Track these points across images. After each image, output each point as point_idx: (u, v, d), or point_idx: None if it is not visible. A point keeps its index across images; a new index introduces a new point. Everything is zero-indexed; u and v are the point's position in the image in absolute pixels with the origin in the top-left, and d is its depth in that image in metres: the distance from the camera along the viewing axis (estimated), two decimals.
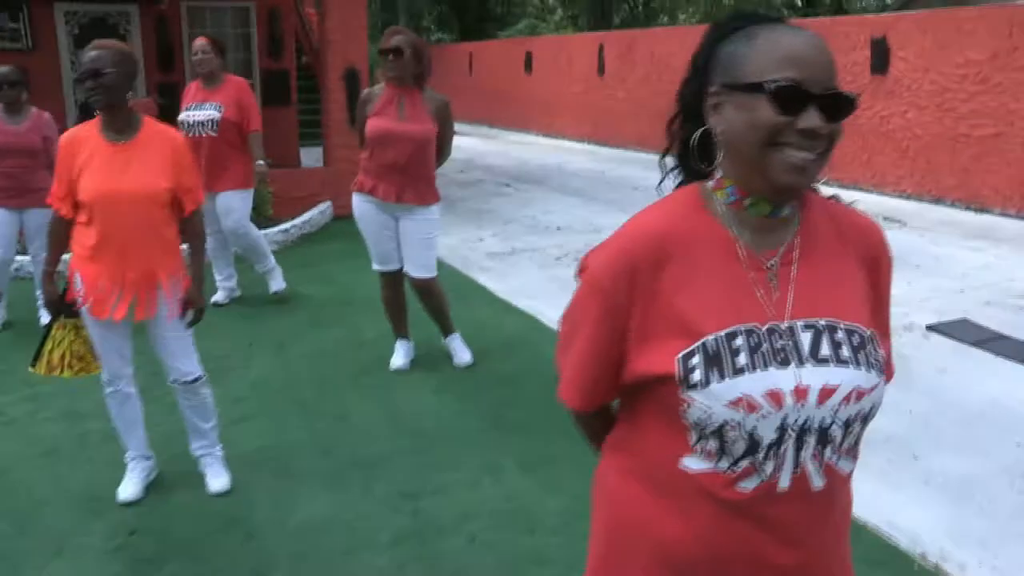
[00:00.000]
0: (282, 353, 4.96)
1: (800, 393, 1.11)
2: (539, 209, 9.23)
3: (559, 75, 16.35)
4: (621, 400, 1.32)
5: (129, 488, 3.28)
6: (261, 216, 6.88)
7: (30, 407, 4.16)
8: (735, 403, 1.10)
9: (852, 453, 1.20)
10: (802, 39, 1.12)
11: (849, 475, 1.21)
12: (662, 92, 13.04)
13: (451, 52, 21.58)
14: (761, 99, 1.10)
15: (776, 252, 1.19)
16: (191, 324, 3.13)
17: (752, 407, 1.10)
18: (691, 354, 1.13)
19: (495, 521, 3.15)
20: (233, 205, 5.61)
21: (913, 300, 5.59)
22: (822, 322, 1.17)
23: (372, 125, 4.23)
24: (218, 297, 5.90)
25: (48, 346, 3.21)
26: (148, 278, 3.02)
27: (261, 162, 5.75)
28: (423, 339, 4.82)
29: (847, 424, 1.14)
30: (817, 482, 1.15)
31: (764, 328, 1.15)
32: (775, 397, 1.11)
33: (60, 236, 3.08)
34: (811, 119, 1.09)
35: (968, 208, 8.65)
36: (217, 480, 3.37)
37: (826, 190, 1.30)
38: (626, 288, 1.18)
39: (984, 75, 8.41)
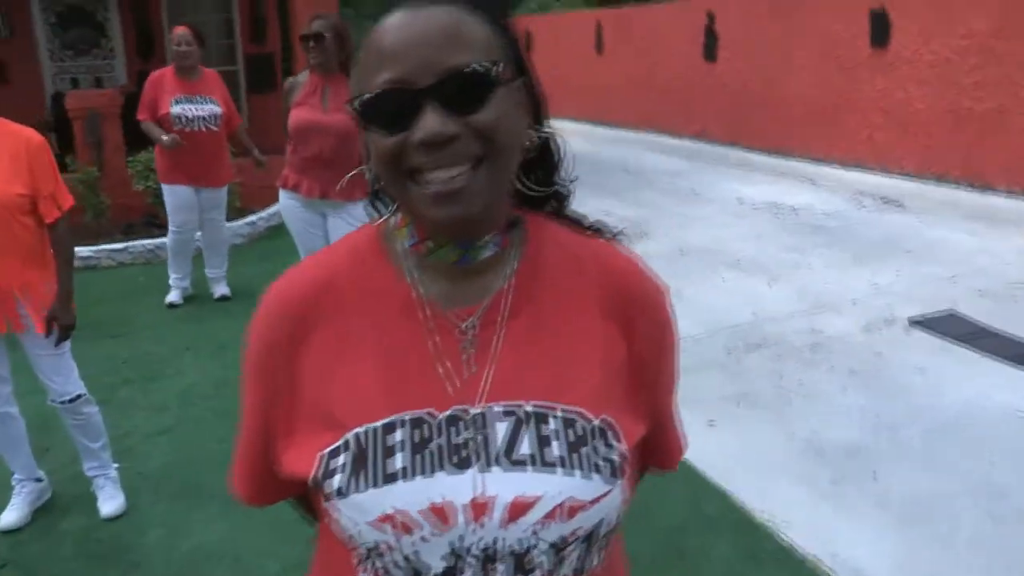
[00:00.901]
0: (220, 357, 4.70)
1: (479, 508, 0.81)
2: None
3: (558, 53, 15.94)
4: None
5: (12, 514, 3.04)
6: (229, 208, 6.66)
7: None
8: (383, 520, 0.80)
9: None
10: (398, 19, 0.82)
11: None
12: (662, 70, 12.68)
13: None
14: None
15: (475, 309, 0.89)
16: (59, 341, 2.85)
17: (407, 527, 0.80)
18: (336, 452, 0.84)
19: None
20: (224, 199, 5.74)
21: (899, 291, 5.23)
22: (528, 407, 0.85)
23: (294, 116, 3.94)
24: (173, 297, 5.68)
25: None
26: (3, 291, 2.76)
27: (259, 154, 5.85)
28: None
29: (558, 548, 0.83)
30: None
31: (442, 417, 0.84)
32: (441, 513, 0.80)
33: None
34: (426, 124, 0.79)
35: (972, 188, 8.20)
36: (109, 503, 3.13)
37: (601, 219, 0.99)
38: (271, 362, 0.90)
39: (988, 46, 7.94)
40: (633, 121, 13.56)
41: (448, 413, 0.84)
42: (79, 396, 3.00)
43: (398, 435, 0.83)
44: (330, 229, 4.09)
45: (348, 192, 4.01)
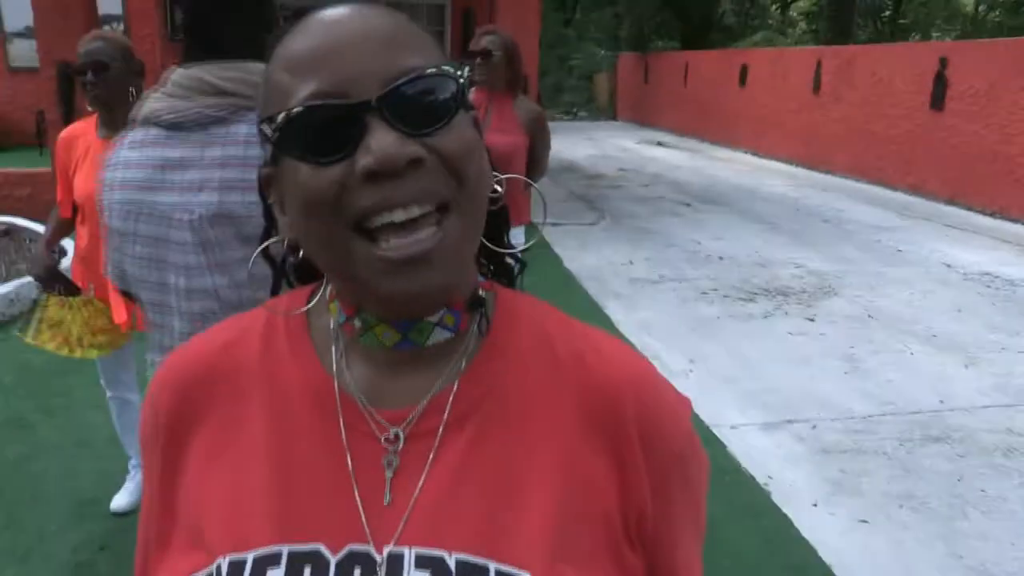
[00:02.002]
0: None
1: None
2: (709, 234, 8.48)
3: (773, 90, 15.23)
4: None
5: (123, 498, 3.12)
6: None
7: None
8: None
9: None
10: (322, 17, 0.62)
11: None
12: (881, 116, 11.76)
13: (667, 60, 20.85)
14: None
15: (409, 413, 0.67)
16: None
17: None
18: None
19: None
20: None
21: None
22: (453, 559, 0.62)
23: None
24: None
25: (40, 316, 3.00)
26: None
27: None
28: None
29: None
30: None
31: (336, 558, 0.63)
32: None
33: (61, 227, 2.93)
34: (377, 144, 0.58)
35: None
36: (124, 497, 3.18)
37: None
38: (149, 454, 0.73)
39: None
40: (843, 167, 12.69)
41: (345, 552, 0.63)
42: None
43: (276, 573, 0.62)
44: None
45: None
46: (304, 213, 0.61)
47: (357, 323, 0.68)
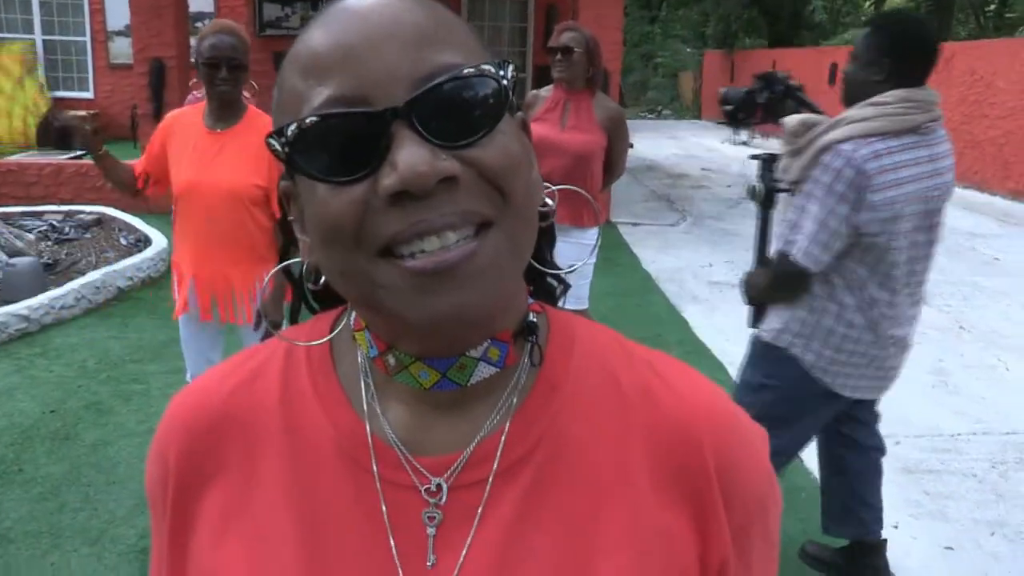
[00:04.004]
0: None
1: None
2: None
3: None
4: None
5: None
6: None
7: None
8: None
9: None
10: (340, 12, 0.54)
11: None
12: (980, 116, 11.22)
13: (754, 59, 20.38)
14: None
15: (454, 460, 0.59)
16: (264, 337, 2.86)
17: None
18: None
19: None
20: None
21: None
22: None
23: (531, 131, 3.79)
24: None
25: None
26: (224, 280, 2.83)
27: None
28: None
29: None
30: None
31: None
32: None
33: (122, 168, 2.97)
34: (404, 159, 0.49)
35: None
36: None
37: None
38: (158, 508, 0.66)
39: None
40: None
41: None
42: None
43: None
44: (556, 254, 3.88)
45: (577, 216, 3.80)
46: (322, 239, 0.53)
47: (391, 360, 0.59)
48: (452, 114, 0.51)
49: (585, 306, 3.98)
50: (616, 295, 5.96)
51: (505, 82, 0.53)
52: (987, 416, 4.13)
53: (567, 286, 0.70)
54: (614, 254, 6.99)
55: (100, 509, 3.08)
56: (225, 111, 2.75)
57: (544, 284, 0.69)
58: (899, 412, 4.12)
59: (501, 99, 0.53)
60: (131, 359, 4.45)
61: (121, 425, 3.76)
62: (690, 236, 8.27)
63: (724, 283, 6.51)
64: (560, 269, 0.69)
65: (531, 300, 0.65)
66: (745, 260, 7.33)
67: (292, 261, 0.66)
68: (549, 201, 0.63)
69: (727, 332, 5.31)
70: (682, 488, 0.59)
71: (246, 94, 2.96)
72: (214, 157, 2.74)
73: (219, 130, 2.76)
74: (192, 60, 2.76)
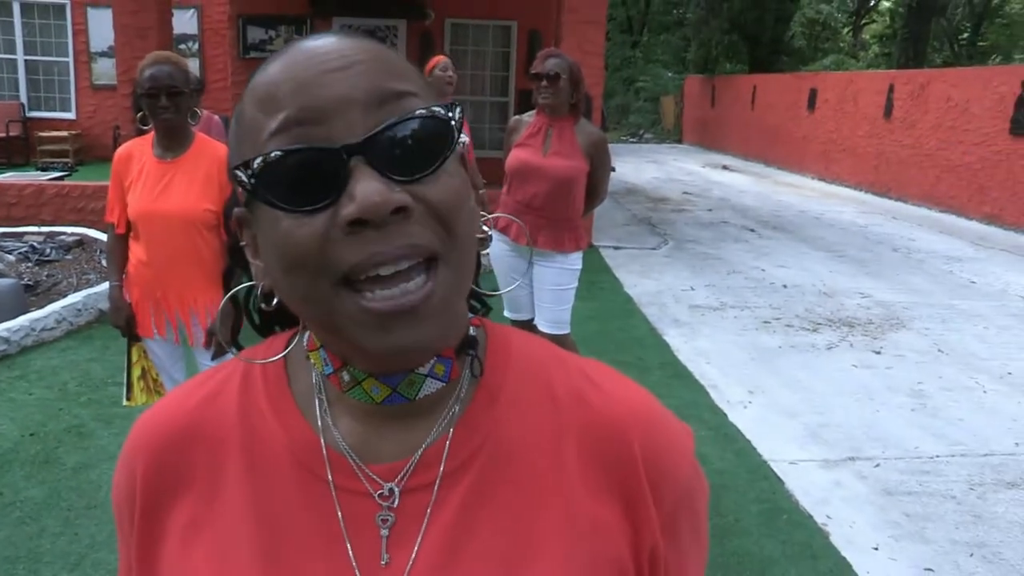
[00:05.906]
0: None
1: None
2: (773, 262, 8.30)
3: (843, 115, 14.93)
4: None
5: None
6: None
7: None
8: None
9: None
10: (299, 52, 0.58)
11: None
12: (956, 142, 11.41)
13: (735, 84, 20.63)
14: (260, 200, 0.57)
15: (403, 466, 0.64)
16: (215, 356, 2.89)
17: None
18: None
19: None
20: None
21: None
22: None
23: (513, 156, 3.83)
24: None
25: (136, 372, 3.13)
26: (182, 302, 2.86)
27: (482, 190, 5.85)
28: None
29: None
30: None
31: None
32: None
33: (117, 253, 2.99)
34: (362, 191, 0.54)
35: None
36: None
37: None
38: (126, 525, 0.69)
39: None
40: (914, 195, 12.35)
41: None
42: None
43: None
44: (535, 279, 3.92)
45: (559, 241, 3.84)
46: (286, 267, 0.57)
47: (345, 376, 0.63)
48: (405, 151, 0.56)
49: (567, 331, 4.00)
50: (598, 319, 6.00)
51: (453, 123, 0.58)
52: (965, 438, 4.18)
53: (489, 308, 0.74)
54: (596, 278, 7.04)
55: (81, 533, 3.05)
56: (172, 140, 2.77)
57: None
58: (878, 434, 4.18)
59: (449, 140, 0.58)
60: (112, 381, 4.42)
61: (102, 448, 3.73)
62: (671, 260, 8.34)
63: (705, 307, 6.56)
64: (484, 292, 0.73)
65: (471, 315, 0.70)
66: (727, 284, 7.44)
67: (241, 287, 0.69)
68: (486, 228, 0.67)
69: (708, 355, 5.36)
70: (612, 481, 0.64)
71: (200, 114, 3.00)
72: (166, 186, 2.77)
73: (168, 159, 2.78)
74: (134, 92, 2.80)
